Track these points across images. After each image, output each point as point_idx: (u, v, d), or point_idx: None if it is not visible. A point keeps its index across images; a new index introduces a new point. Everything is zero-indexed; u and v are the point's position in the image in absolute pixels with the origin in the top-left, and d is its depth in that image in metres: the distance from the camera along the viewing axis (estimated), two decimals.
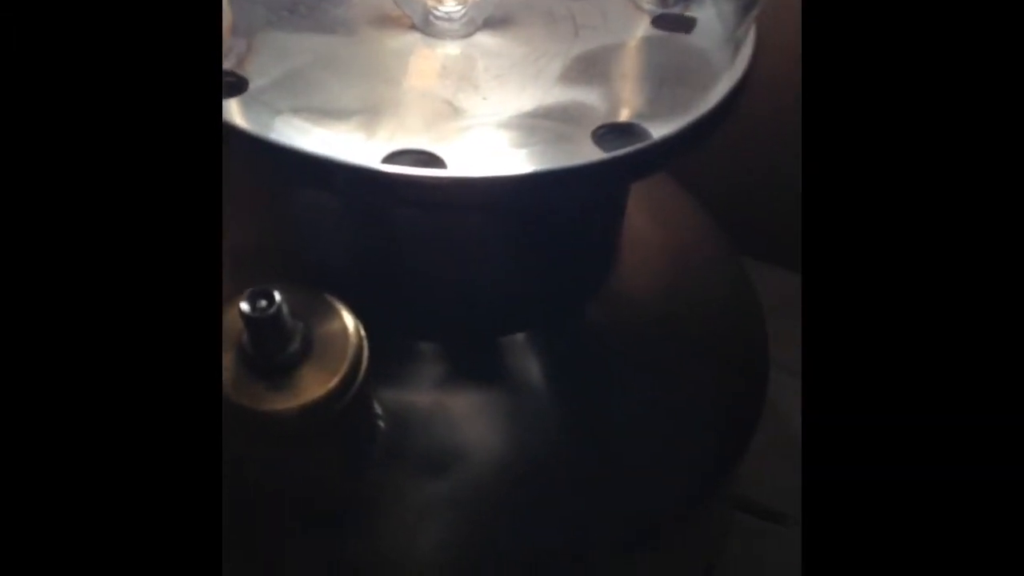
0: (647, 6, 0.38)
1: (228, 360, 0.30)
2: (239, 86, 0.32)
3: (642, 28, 0.37)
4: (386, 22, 0.36)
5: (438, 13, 0.35)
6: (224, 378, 0.30)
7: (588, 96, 0.34)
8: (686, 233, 0.51)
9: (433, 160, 0.30)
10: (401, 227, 0.36)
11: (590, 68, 0.35)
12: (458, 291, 0.38)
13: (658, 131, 0.32)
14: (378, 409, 0.36)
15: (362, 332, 0.32)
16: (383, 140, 0.31)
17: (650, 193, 0.48)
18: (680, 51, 0.36)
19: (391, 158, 0.30)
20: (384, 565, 0.36)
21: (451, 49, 0.35)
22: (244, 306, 0.28)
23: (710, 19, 0.37)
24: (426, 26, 0.35)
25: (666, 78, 0.35)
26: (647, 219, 0.47)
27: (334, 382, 0.31)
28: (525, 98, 0.34)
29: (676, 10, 0.38)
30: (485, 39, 0.36)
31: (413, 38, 0.35)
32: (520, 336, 0.40)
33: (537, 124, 0.33)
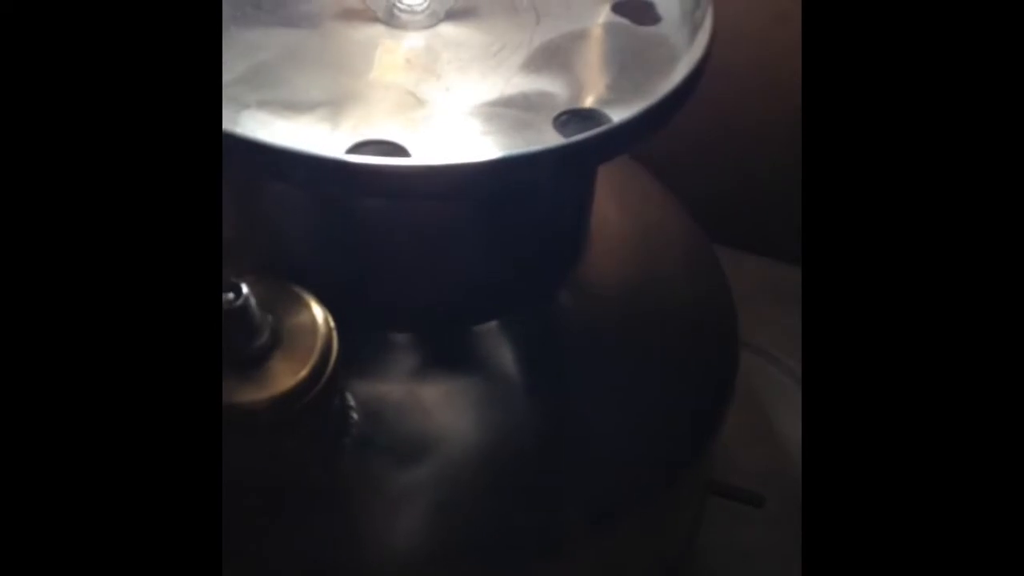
0: None
1: None
2: None
3: (603, 15, 0.37)
4: (350, 15, 0.36)
5: (401, 5, 0.35)
6: None
7: (550, 84, 0.34)
8: (655, 220, 0.51)
9: (397, 150, 0.31)
10: (369, 217, 0.36)
11: (552, 56, 0.35)
12: (428, 280, 0.38)
13: (619, 116, 0.32)
14: (350, 400, 0.36)
15: (331, 323, 0.32)
16: (348, 131, 0.31)
17: (619, 180, 0.48)
18: (639, 36, 0.37)
19: (356, 149, 0.30)
20: (359, 554, 0.36)
21: (415, 40, 0.36)
22: None
23: (669, 4, 0.38)
24: (390, 18, 0.36)
25: (626, 63, 0.35)
26: (616, 206, 0.47)
27: (303, 373, 0.31)
28: (487, 87, 0.34)
29: None
30: (448, 30, 0.36)
31: (377, 30, 0.36)
32: (491, 324, 0.40)
33: (499, 112, 0.33)
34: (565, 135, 0.32)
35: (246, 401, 0.30)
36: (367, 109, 0.33)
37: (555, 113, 0.33)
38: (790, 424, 0.61)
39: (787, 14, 0.59)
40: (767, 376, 0.63)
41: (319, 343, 0.32)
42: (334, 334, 0.32)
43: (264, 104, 0.32)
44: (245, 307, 0.29)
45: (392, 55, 0.35)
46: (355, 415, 0.37)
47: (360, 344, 0.34)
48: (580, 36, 0.36)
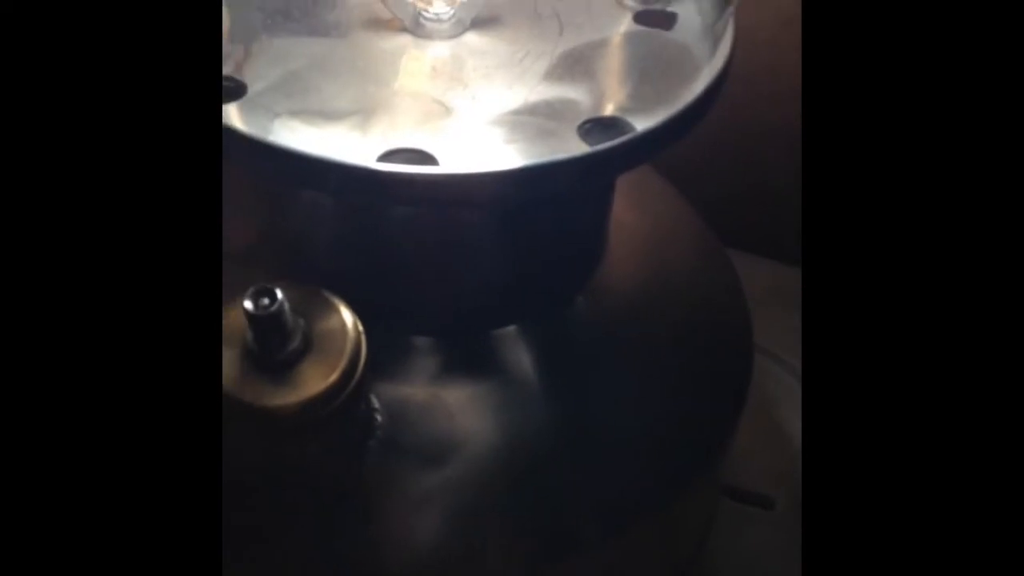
0: (629, 2, 0.39)
1: (231, 357, 0.31)
2: (237, 91, 0.33)
3: (625, 24, 0.38)
4: (377, 24, 0.37)
5: (427, 15, 0.36)
6: (227, 374, 0.31)
7: (573, 92, 0.35)
8: (669, 224, 0.52)
9: (425, 158, 0.31)
10: (392, 224, 0.37)
11: (575, 65, 0.36)
12: (450, 286, 0.39)
13: (642, 124, 0.33)
14: (375, 403, 0.37)
15: (360, 328, 0.33)
16: (377, 139, 0.32)
17: (634, 186, 0.49)
18: (661, 46, 0.37)
19: (385, 157, 0.31)
20: (383, 553, 0.37)
21: (440, 50, 0.36)
22: (248, 304, 0.29)
23: (690, 14, 0.38)
24: (416, 28, 0.36)
25: (649, 72, 0.36)
26: (632, 211, 0.48)
27: (333, 377, 0.31)
28: (512, 95, 0.34)
29: (657, 6, 0.39)
30: (473, 39, 0.37)
31: (404, 40, 0.36)
32: (511, 328, 0.41)
33: (524, 120, 0.34)
34: (589, 143, 0.32)
35: (277, 404, 0.31)
36: (395, 117, 0.33)
37: (579, 121, 0.33)
38: (799, 427, 0.61)
39: (796, 19, 0.60)
40: (777, 379, 0.63)
41: (348, 347, 0.32)
42: (363, 338, 0.33)
43: (295, 113, 0.32)
44: (279, 312, 0.30)
45: (419, 64, 0.36)
46: (379, 417, 0.37)
47: (384, 348, 0.34)
48: (602, 45, 0.37)
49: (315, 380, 0.31)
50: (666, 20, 0.38)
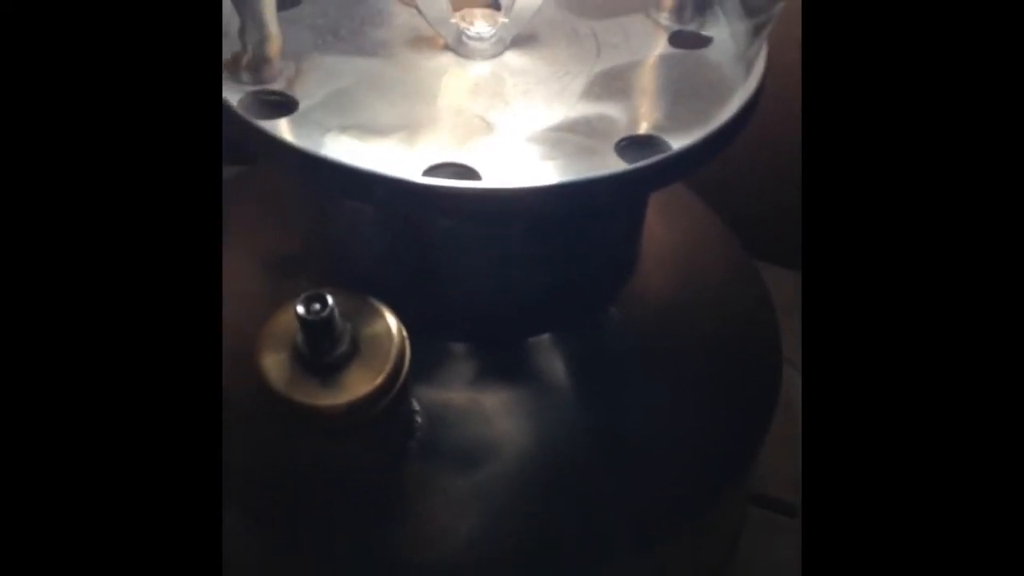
0: (665, 23, 0.40)
1: (282, 359, 0.32)
2: (289, 106, 0.34)
3: (660, 45, 0.39)
4: (422, 43, 0.38)
5: (470, 34, 0.37)
6: (278, 376, 0.32)
7: (611, 110, 0.36)
8: (699, 236, 0.53)
9: (469, 172, 0.33)
10: (434, 234, 0.38)
11: (612, 84, 0.37)
12: (489, 295, 0.40)
13: (677, 143, 0.34)
14: (416, 405, 0.38)
15: (404, 333, 0.34)
16: (422, 154, 0.33)
17: (665, 199, 0.50)
18: (696, 67, 0.38)
19: (430, 171, 0.33)
20: (421, 551, 0.38)
21: (482, 68, 0.38)
22: (300, 309, 0.31)
23: (724, 37, 0.40)
24: (459, 47, 0.38)
25: (683, 92, 0.37)
26: (662, 224, 0.49)
27: (379, 380, 0.33)
28: (551, 113, 0.36)
29: (692, 27, 0.40)
30: (513, 58, 0.38)
31: (447, 58, 0.38)
32: (546, 337, 0.42)
33: (563, 137, 0.35)
34: (626, 160, 0.34)
35: (325, 404, 0.32)
36: (439, 133, 0.35)
37: (616, 139, 0.35)
38: None
39: None
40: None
41: (394, 351, 0.34)
42: (407, 343, 0.34)
43: (345, 128, 0.34)
44: (329, 317, 0.31)
45: (461, 81, 0.37)
46: (420, 419, 0.39)
47: (423, 353, 0.35)
48: (638, 65, 0.38)
49: (362, 382, 0.33)
50: (700, 42, 0.40)
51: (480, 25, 0.37)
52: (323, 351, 0.32)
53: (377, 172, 0.32)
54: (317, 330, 0.31)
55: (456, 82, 0.37)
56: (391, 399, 0.34)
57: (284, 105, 0.35)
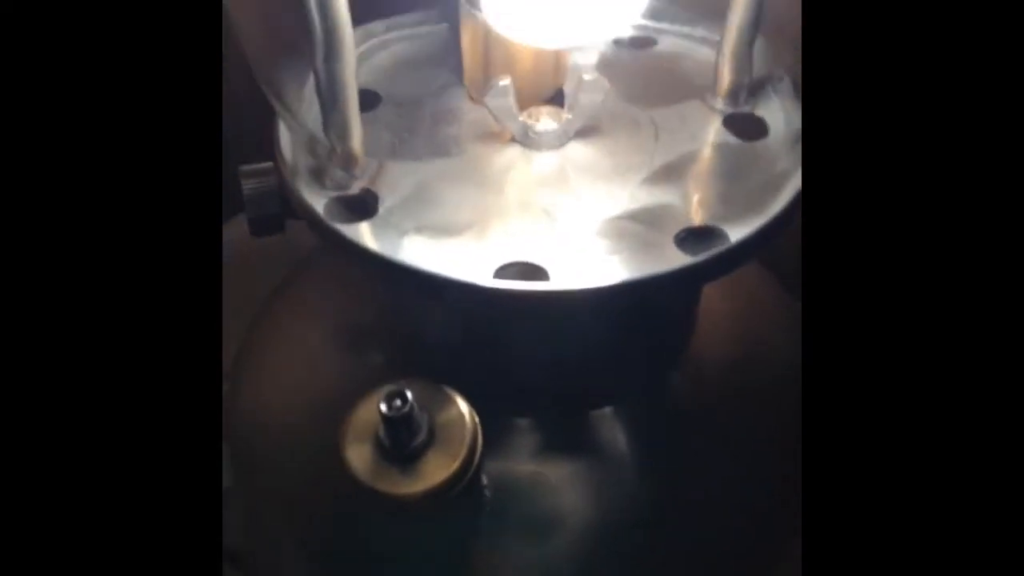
0: (719, 107, 0.42)
1: (365, 450, 0.35)
2: (373, 206, 0.37)
3: (715, 130, 0.41)
4: (491, 138, 0.40)
5: (536, 129, 0.39)
6: (361, 466, 0.34)
7: (670, 198, 0.38)
8: (751, 293, 0.54)
9: (537, 271, 0.35)
10: (502, 322, 0.40)
11: (670, 172, 0.39)
12: (553, 370, 0.42)
13: (735, 232, 0.36)
14: (484, 480, 0.40)
15: (476, 419, 0.36)
16: (493, 252, 0.35)
17: None
18: (751, 154, 0.40)
19: (500, 271, 0.35)
20: None
21: (548, 159, 0.40)
22: (383, 407, 0.33)
23: (777, 121, 0.41)
24: (525, 139, 0.40)
25: (739, 180, 0.39)
26: (716, 286, 0.51)
27: (455, 467, 0.35)
28: (613, 203, 0.38)
29: (746, 109, 0.42)
30: (577, 148, 0.40)
31: (514, 151, 0.40)
32: (608, 409, 0.44)
33: (625, 227, 0.37)
34: (685, 251, 0.35)
35: (405, 493, 0.34)
36: (509, 228, 0.37)
37: (676, 230, 0.36)
38: None
39: None
40: None
41: (467, 438, 0.36)
42: (479, 429, 0.36)
43: (421, 229, 0.36)
44: (410, 412, 0.33)
45: (528, 174, 0.39)
46: (488, 493, 0.41)
47: (490, 427, 0.37)
48: (695, 153, 0.40)
49: (439, 469, 0.35)
50: (754, 124, 0.41)
51: (546, 122, 0.39)
52: (403, 442, 0.34)
53: (450, 277, 0.34)
54: (398, 424, 0.34)
55: (523, 175, 0.39)
56: (466, 483, 0.36)
57: (368, 205, 0.37)
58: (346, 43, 0.33)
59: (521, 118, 0.39)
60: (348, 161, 0.37)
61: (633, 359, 0.43)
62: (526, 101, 0.39)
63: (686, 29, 0.46)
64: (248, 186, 0.39)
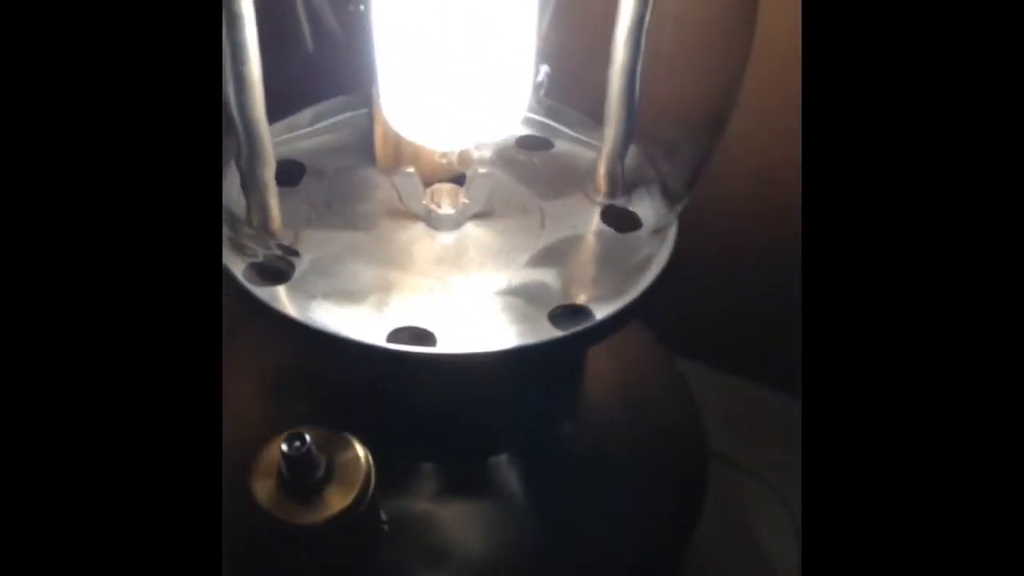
0: (598, 200, 0.49)
1: (270, 485, 0.40)
2: (288, 273, 0.43)
3: (594, 220, 0.48)
4: (398, 215, 0.46)
5: (438, 211, 0.46)
6: (265, 498, 0.40)
7: (548, 279, 0.44)
8: (635, 353, 0.61)
9: (427, 336, 0.41)
10: (405, 377, 0.46)
11: (551, 255, 0.46)
12: (448, 421, 0.48)
13: (600, 311, 0.42)
14: (383, 515, 0.46)
15: (370, 460, 0.42)
16: (389, 317, 0.41)
17: None
18: (623, 243, 0.47)
19: (394, 334, 0.41)
20: None
21: (446, 237, 0.46)
22: (284, 447, 0.39)
23: (647, 213, 0.48)
24: (428, 219, 0.46)
25: (610, 265, 0.45)
26: (603, 346, 0.57)
27: (350, 500, 0.41)
28: (499, 279, 0.44)
29: (619, 202, 0.49)
30: (472, 229, 0.47)
31: (418, 228, 0.46)
32: (503, 455, 0.50)
33: (507, 302, 0.43)
34: (556, 326, 0.42)
35: (305, 522, 0.40)
36: (406, 297, 0.43)
37: (551, 307, 0.43)
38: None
39: (768, 174, 0.68)
40: (760, 498, 0.70)
41: (361, 476, 0.41)
42: (372, 469, 0.42)
43: (328, 295, 0.42)
44: (307, 452, 0.39)
45: (429, 250, 0.45)
46: (386, 527, 0.46)
47: (395, 470, 0.43)
48: (575, 239, 0.47)
49: (335, 502, 0.41)
50: (627, 217, 0.48)
51: (445, 205, 0.46)
52: (302, 478, 0.40)
53: (348, 337, 0.40)
54: (297, 462, 0.39)
55: (424, 250, 0.45)
56: (361, 514, 0.41)
57: (283, 272, 0.43)
58: (264, 144, 0.39)
59: (424, 201, 0.46)
60: (265, 235, 0.43)
61: (524, 411, 0.49)
62: (430, 179, 0.46)
63: (579, 135, 0.53)
64: None
